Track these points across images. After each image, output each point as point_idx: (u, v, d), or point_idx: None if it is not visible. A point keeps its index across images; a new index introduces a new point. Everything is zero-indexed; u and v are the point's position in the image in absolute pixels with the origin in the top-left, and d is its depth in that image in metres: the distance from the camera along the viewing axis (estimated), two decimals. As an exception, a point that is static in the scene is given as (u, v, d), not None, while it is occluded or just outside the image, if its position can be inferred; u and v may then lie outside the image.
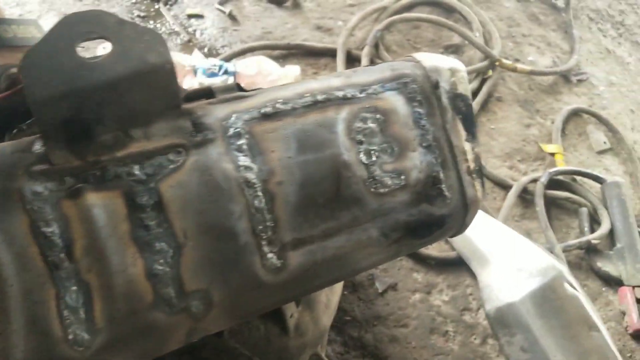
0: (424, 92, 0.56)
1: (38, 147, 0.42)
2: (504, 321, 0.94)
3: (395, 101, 0.55)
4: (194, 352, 0.56)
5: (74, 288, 0.40)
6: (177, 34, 1.23)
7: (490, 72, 1.39)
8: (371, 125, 0.53)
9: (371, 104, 0.54)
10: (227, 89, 0.53)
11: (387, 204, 0.52)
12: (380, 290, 1.00)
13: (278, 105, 0.50)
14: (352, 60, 1.30)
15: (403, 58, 0.60)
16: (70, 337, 0.40)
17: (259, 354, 0.68)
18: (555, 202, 1.24)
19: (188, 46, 1.20)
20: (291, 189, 0.48)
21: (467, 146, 0.57)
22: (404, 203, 0.53)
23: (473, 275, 1.07)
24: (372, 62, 1.27)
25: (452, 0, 1.48)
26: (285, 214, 0.48)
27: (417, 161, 0.54)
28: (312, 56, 1.30)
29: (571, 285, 0.95)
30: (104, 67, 0.43)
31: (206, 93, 0.52)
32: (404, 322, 0.99)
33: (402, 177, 0.53)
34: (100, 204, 0.42)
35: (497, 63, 1.37)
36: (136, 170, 0.43)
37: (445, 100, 0.56)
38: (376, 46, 1.31)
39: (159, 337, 0.44)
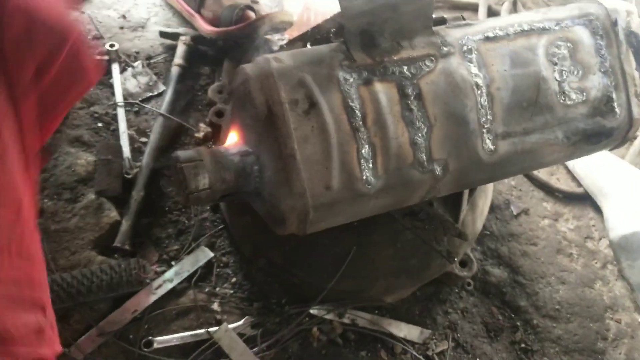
0: (605, 28, 0.70)
1: (344, 48, 0.60)
2: (627, 247, 1.08)
3: (582, 34, 0.69)
4: (413, 214, 0.75)
5: (366, 146, 0.59)
6: None
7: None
8: (563, 51, 0.68)
9: (564, 35, 0.69)
10: (454, 19, 0.70)
11: (571, 113, 0.68)
12: (515, 213, 1.16)
13: (497, 31, 0.66)
14: (491, 14, 1.44)
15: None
16: (364, 177, 0.59)
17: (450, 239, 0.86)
18: None
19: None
20: (505, 94, 0.65)
21: (636, 74, 0.71)
22: (583, 114, 0.69)
23: (596, 210, 1.20)
24: (510, 17, 1.40)
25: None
26: (500, 112, 0.64)
27: (596, 82, 0.69)
28: (457, 9, 1.45)
29: None
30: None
31: (440, 21, 0.69)
32: (534, 241, 1.14)
33: (584, 93, 0.68)
34: (383, 91, 0.60)
35: None
36: (405, 69, 0.61)
37: (621, 35, 0.70)
38: (514, 2, 1.43)
39: (411, 189, 0.63)
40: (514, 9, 1.44)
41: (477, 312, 1.07)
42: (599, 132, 0.70)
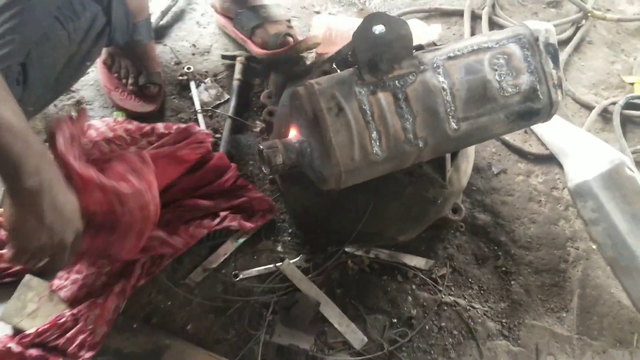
0: (530, 43, 1.02)
1: (357, 72, 0.95)
2: (580, 193, 1.28)
3: (515, 48, 1.01)
4: (409, 174, 1.10)
5: (374, 132, 0.94)
6: (354, 4, 1.69)
7: (583, 22, 1.76)
8: (502, 61, 1.01)
9: (502, 50, 1.01)
10: (428, 45, 1.04)
11: (509, 101, 1.01)
12: (495, 173, 1.43)
13: (456, 52, 0.99)
14: (475, 18, 1.70)
15: (519, 24, 1.06)
16: (374, 152, 0.94)
17: (438, 190, 1.19)
18: (631, 119, 1.57)
19: (362, 13, 1.68)
20: (462, 93, 0.98)
21: (553, 72, 1.03)
22: (517, 101, 1.01)
23: (560, 167, 1.46)
24: (489, 19, 1.70)
25: (555, -36, 1.84)
26: (460, 104, 0.98)
27: (525, 80, 1.01)
28: (446, 16, 1.70)
29: (631, 170, 1.35)
30: (383, 37, 0.95)
31: (419, 47, 1.03)
32: (511, 192, 1.40)
33: (517, 88, 1.00)
34: (383, 97, 0.94)
35: (589, 14, 1.73)
36: (397, 83, 0.95)
37: (542, 47, 1.03)
38: (493, 6, 1.73)
39: (404, 157, 0.97)
40: (493, 11, 1.74)
41: (468, 247, 1.31)
42: (529, 112, 1.03)
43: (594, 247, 1.34)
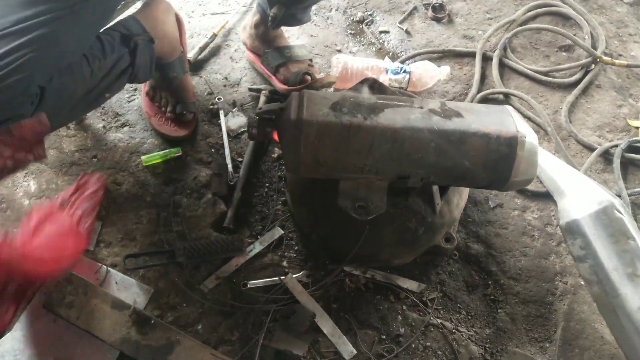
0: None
1: None
2: (570, 230, 1.28)
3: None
4: (396, 203, 1.16)
5: None
6: (374, 44, 1.77)
7: (593, 66, 1.77)
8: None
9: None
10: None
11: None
12: (492, 206, 1.45)
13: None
14: (486, 59, 1.74)
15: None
16: None
17: (420, 221, 1.26)
18: (633, 162, 1.56)
19: (380, 53, 1.75)
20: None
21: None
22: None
23: (556, 204, 1.51)
24: (500, 61, 1.74)
25: (568, 10, 1.86)
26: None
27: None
28: (459, 57, 1.74)
29: (619, 212, 1.36)
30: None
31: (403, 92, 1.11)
32: (505, 226, 1.41)
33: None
34: None
35: (598, 59, 1.75)
36: None
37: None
38: (504, 48, 1.77)
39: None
40: (504, 54, 1.79)
41: (460, 274, 1.34)
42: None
43: (582, 282, 1.34)
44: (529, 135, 1.08)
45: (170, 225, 1.34)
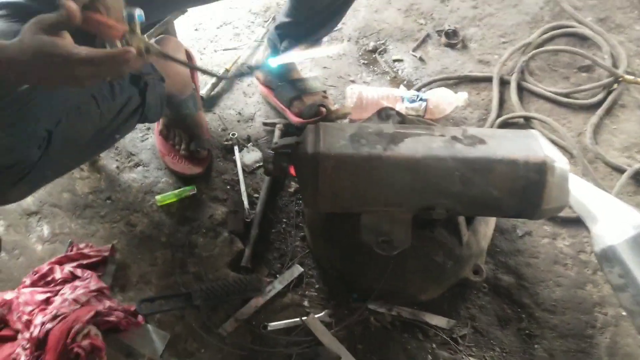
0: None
1: None
2: (607, 258, 1.21)
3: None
4: (421, 235, 1.10)
5: None
6: (387, 73, 1.77)
7: (615, 86, 1.71)
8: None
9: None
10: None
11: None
12: (520, 235, 1.39)
13: None
14: (504, 83, 1.70)
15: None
16: None
17: (447, 254, 1.20)
18: None
19: (395, 81, 1.74)
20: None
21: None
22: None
23: (588, 230, 1.44)
24: (518, 85, 1.70)
25: (586, 31, 1.81)
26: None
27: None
28: (475, 82, 1.71)
29: None
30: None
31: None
32: (535, 255, 1.35)
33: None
34: None
35: (620, 79, 1.69)
36: None
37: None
38: (522, 72, 1.73)
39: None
40: (522, 77, 1.74)
41: (491, 308, 1.27)
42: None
43: (624, 313, 1.26)
44: (559, 160, 1.02)
45: (186, 266, 1.31)
